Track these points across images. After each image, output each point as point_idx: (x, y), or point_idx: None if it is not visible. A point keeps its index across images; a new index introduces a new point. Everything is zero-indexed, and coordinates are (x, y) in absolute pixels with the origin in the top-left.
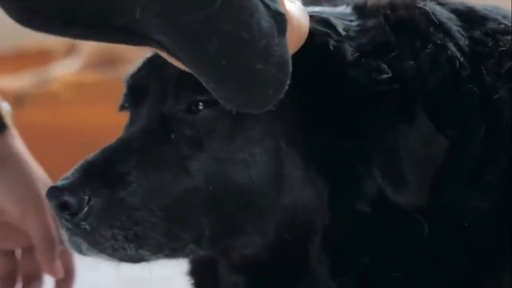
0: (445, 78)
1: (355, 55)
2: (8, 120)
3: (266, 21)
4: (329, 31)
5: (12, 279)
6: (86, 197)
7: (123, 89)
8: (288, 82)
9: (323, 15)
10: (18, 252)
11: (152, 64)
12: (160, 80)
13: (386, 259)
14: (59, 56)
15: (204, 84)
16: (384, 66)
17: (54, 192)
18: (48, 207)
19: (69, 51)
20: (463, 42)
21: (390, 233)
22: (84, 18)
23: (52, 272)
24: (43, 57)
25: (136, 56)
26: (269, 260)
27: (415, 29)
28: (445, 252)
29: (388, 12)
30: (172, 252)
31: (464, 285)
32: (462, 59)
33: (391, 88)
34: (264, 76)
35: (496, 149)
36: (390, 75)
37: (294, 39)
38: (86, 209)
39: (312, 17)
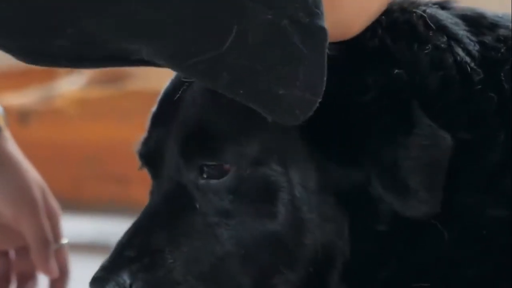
0: (450, 79)
1: (335, 78)
2: (1, 122)
3: (290, 45)
4: None
5: (6, 279)
6: (128, 283)
7: (128, 105)
8: (319, 100)
9: None
10: (12, 253)
11: (159, 122)
12: (170, 145)
13: (405, 271)
14: (64, 73)
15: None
16: (369, 83)
17: (96, 283)
18: (42, 208)
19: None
20: (473, 47)
21: (407, 245)
22: (93, 59)
23: (47, 272)
24: (47, 74)
25: (140, 71)
26: None
27: (412, 32)
28: (465, 261)
29: (383, 16)
30: None
31: None
32: (472, 64)
33: (380, 105)
34: (288, 99)
35: None
36: (377, 91)
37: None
38: None
39: None
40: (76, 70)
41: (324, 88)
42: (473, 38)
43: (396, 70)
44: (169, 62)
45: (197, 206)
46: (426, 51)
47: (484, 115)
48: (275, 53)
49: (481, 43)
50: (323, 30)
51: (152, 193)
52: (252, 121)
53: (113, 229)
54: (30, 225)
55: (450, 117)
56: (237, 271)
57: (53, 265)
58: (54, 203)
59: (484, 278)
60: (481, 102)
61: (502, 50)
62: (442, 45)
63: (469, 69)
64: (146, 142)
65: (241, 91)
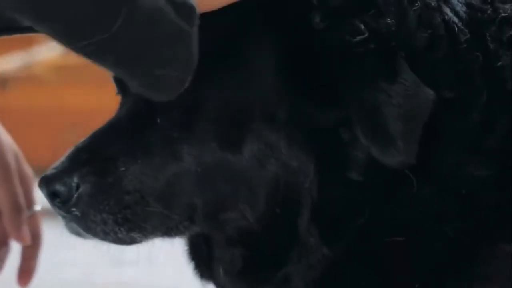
0: (438, 38)
1: (326, 19)
2: None
3: (168, 26)
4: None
5: None
6: (75, 184)
7: (106, 71)
8: (189, 78)
9: None
10: None
11: None
12: None
13: (379, 223)
14: (43, 39)
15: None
16: (360, 26)
17: (44, 181)
18: (15, 173)
19: None
20: (460, 8)
21: (383, 196)
22: None
23: (19, 238)
24: (26, 41)
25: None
26: (261, 232)
27: None
28: (443, 218)
29: None
30: (165, 233)
31: (460, 253)
32: (460, 24)
33: (367, 48)
34: (164, 78)
35: (497, 116)
36: (366, 35)
37: None
38: (76, 196)
39: None
40: None
41: (195, 65)
42: (461, 0)
43: (387, 20)
44: (63, 43)
45: (159, 121)
46: (415, 8)
47: (469, 74)
48: (154, 34)
49: (468, 5)
50: (193, 8)
51: (118, 108)
52: None
53: None
54: (2, 190)
55: (435, 75)
56: (191, 191)
57: (26, 232)
58: (28, 169)
59: (464, 235)
60: (466, 61)
61: (489, 11)
62: (432, 4)
63: (456, 29)
64: None
65: (121, 71)
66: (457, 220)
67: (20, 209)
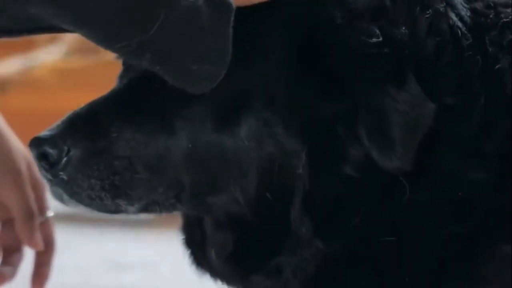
0: (444, 45)
1: (346, 18)
2: None
3: (204, 25)
4: None
5: None
6: (66, 148)
7: (107, 74)
8: (223, 72)
9: None
10: None
11: None
12: None
13: (377, 223)
14: (43, 43)
15: None
16: (376, 30)
17: (35, 142)
18: (27, 180)
19: (53, 38)
20: (465, 12)
21: (381, 197)
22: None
23: (32, 244)
24: (27, 44)
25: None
26: (252, 218)
27: None
28: (438, 221)
29: None
30: (151, 205)
31: (459, 255)
32: (464, 29)
33: (381, 52)
34: (199, 73)
35: (495, 119)
36: (380, 39)
37: None
38: (65, 159)
39: None
40: (56, 40)
41: (229, 60)
42: (465, 5)
43: (401, 28)
44: (100, 45)
45: (156, 91)
46: (427, 16)
47: (469, 79)
48: (190, 32)
49: (472, 10)
50: (230, 7)
51: (119, 78)
52: None
53: None
54: (14, 196)
55: (438, 82)
56: (180, 167)
57: (38, 238)
58: (39, 175)
59: (461, 238)
60: (468, 66)
61: (491, 16)
62: (441, 10)
63: (460, 33)
64: None
65: (158, 67)
66: (455, 223)
67: (32, 215)
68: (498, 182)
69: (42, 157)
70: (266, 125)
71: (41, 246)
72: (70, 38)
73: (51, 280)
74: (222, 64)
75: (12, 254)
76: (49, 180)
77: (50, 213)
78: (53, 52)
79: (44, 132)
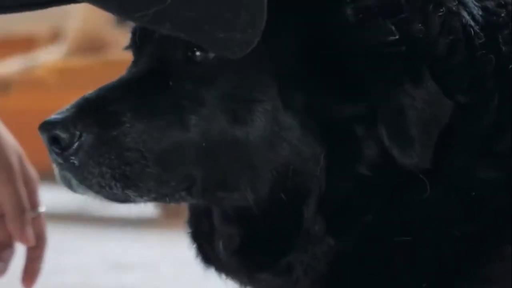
0: (457, 43)
1: (360, 15)
2: None
3: None
4: None
5: None
6: (78, 133)
7: (107, 74)
8: (256, 40)
9: None
10: None
11: None
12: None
13: (389, 222)
14: (44, 43)
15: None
16: (392, 27)
17: (46, 125)
18: (19, 175)
19: (54, 38)
20: (477, 11)
21: (392, 196)
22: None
23: (23, 239)
24: (28, 44)
25: (120, 41)
26: (261, 216)
27: None
28: (451, 220)
29: None
30: (160, 197)
31: (469, 254)
32: (476, 28)
33: (398, 50)
34: (227, 41)
35: (508, 118)
36: (397, 37)
37: None
38: (76, 144)
39: None
40: (57, 40)
41: (263, 28)
42: (477, 3)
43: (417, 25)
44: (117, 15)
45: (171, 85)
46: (440, 14)
47: (482, 78)
48: (210, 4)
49: (484, 8)
50: None
51: (130, 65)
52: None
53: (87, 200)
54: (6, 192)
55: (451, 80)
56: (192, 162)
57: (30, 233)
58: (32, 170)
59: (472, 237)
60: (481, 65)
61: (503, 15)
62: (454, 8)
63: (472, 32)
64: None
65: (182, 34)
66: (466, 222)
67: (24, 210)
68: (509, 181)
69: (53, 141)
70: (282, 129)
71: (32, 241)
72: (71, 38)
73: (51, 279)
74: (254, 32)
75: (3, 249)
76: (59, 164)
77: (42, 209)
78: (54, 52)
79: (54, 115)
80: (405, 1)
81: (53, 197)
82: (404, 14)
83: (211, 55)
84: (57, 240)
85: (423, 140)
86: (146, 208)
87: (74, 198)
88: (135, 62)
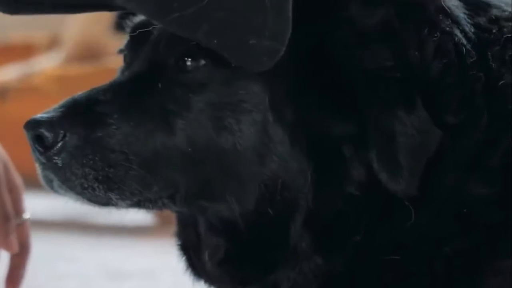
0: (450, 66)
1: (358, 37)
2: None
3: None
4: (333, 12)
5: None
6: (62, 132)
7: (105, 82)
8: (283, 48)
9: None
10: None
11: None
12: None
13: (379, 241)
14: (42, 50)
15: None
16: (389, 52)
17: (31, 124)
18: (4, 182)
19: (52, 45)
20: (469, 29)
21: (380, 217)
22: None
23: (7, 247)
24: (26, 51)
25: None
26: (247, 229)
27: (423, 15)
28: (442, 238)
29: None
30: (143, 201)
31: (462, 270)
32: (468, 46)
33: (393, 75)
34: (258, 48)
35: (498, 134)
36: (393, 62)
37: None
38: (60, 144)
39: None
40: (55, 47)
41: (288, 38)
42: (469, 20)
43: (413, 52)
44: (152, 17)
45: (159, 89)
46: (434, 39)
47: (472, 96)
48: (248, 4)
49: (476, 25)
50: None
51: (121, 69)
52: None
53: (85, 208)
54: None
55: (441, 102)
56: (177, 168)
57: (14, 241)
58: (17, 178)
59: (463, 254)
60: (471, 84)
61: (494, 31)
62: (447, 29)
63: (464, 51)
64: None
65: (215, 41)
66: (458, 239)
67: (8, 217)
68: (501, 196)
69: (37, 139)
70: (271, 141)
71: (16, 248)
72: (69, 45)
73: (49, 286)
74: (281, 40)
75: None
76: (42, 164)
77: (26, 216)
78: (51, 60)
79: (41, 114)
80: (401, 26)
81: (49, 204)
82: (400, 39)
83: (202, 63)
84: (55, 247)
85: (411, 167)
86: (143, 216)
87: (71, 206)
88: (129, 65)
